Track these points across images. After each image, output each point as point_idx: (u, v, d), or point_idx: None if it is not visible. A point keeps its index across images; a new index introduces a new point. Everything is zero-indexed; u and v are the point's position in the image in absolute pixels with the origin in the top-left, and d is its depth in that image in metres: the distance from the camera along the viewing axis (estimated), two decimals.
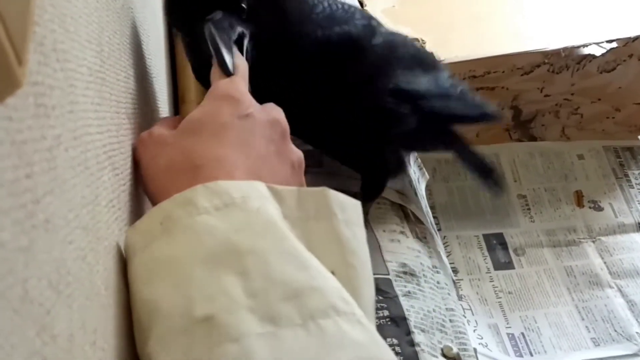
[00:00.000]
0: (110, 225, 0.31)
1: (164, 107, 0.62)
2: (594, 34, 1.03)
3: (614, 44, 1.02)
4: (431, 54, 0.69)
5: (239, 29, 0.44)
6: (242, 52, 0.43)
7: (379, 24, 0.63)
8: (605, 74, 1.06)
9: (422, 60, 0.65)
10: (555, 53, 1.01)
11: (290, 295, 0.29)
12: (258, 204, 0.33)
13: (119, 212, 0.33)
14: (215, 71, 0.41)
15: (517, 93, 1.05)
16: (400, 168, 0.67)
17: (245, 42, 0.45)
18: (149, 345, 0.29)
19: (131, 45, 0.45)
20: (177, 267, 0.30)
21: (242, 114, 0.38)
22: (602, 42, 1.02)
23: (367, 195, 0.65)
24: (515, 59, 1.01)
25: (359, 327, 0.30)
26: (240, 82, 0.40)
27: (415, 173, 0.77)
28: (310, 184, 0.42)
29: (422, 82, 0.62)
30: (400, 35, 0.67)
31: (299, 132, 0.56)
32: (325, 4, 0.57)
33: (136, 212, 0.38)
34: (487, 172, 0.67)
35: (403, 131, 0.61)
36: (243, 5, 0.45)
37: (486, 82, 1.02)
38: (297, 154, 0.42)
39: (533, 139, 1.10)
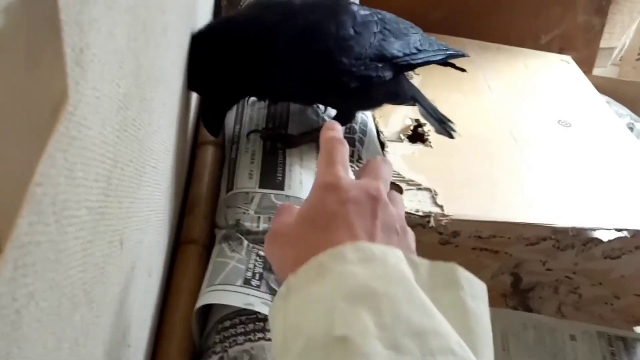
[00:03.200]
0: None
1: (164, 218, 0.63)
2: (604, 219, 1.04)
3: (623, 233, 1.03)
4: (406, 24, 0.87)
5: None
6: None
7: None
8: (610, 260, 1.06)
9: (398, 28, 0.84)
10: (563, 231, 1.02)
11: (415, 333, 0.35)
12: (395, 261, 0.40)
13: (84, 350, 0.33)
14: (319, 162, 0.49)
15: (520, 261, 1.05)
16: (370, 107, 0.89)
17: None
18: (289, 357, 0.35)
19: (142, 168, 0.46)
20: (324, 299, 0.37)
21: (343, 199, 0.44)
22: (611, 229, 1.03)
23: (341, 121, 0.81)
24: (523, 228, 1.01)
25: None
26: (339, 168, 0.47)
27: None
28: None
29: (394, 45, 0.80)
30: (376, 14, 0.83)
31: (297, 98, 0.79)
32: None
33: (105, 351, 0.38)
34: (440, 118, 0.91)
35: (382, 87, 0.81)
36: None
37: (491, 245, 1.02)
38: (399, 219, 0.48)
39: (529, 309, 1.08)
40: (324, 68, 0.73)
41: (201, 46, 0.70)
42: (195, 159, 0.79)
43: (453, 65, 0.93)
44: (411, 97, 0.90)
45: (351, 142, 0.82)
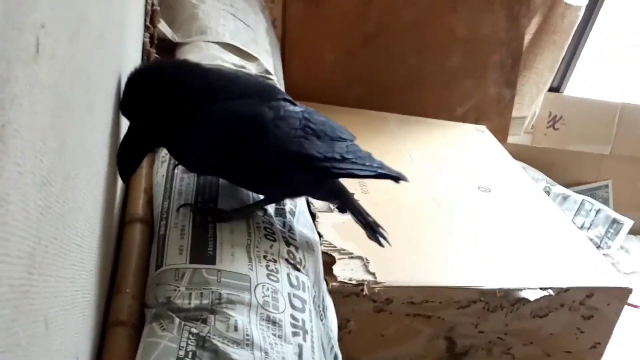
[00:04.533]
0: None
1: (91, 299, 0.61)
2: (529, 280, 1.08)
3: (549, 292, 1.07)
4: (337, 130, 0.82)
5: None
6: None
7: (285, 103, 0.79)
8: (538, 319, 1.09)
9: (325, 130, 0.80)
10: (491, 292, 1.04)
11: None
12: None
13: None
14: None
15: (453, 325, 1.06)
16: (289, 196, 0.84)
17: None
18: None
19: (67, 246, 0.45)
20: None
21: None
22: (537, 289, 1.07)
23: (267, 202, 0.81)
24: (453, 292, 1.04)
25: None
26: None
27: None
28: None
29: (321, 147, 0.77)
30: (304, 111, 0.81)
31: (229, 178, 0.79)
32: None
33: None
34: (370, 225, 0.83)
35: (303, 182, 0.78)
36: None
37: (423, 310, 1.03)
38: None
39: None
40: (241, 147, 0.73)
41: (141, 75, 0.72)
42: (123, 237, 0.77)
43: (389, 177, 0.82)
44: (337, 197, 0.84)
45: (282, 214, 0.82)
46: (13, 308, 0.30)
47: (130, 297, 0.71)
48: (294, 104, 0.80)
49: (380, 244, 0.82)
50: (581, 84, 2.26)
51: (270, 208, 0.83)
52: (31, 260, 0.33)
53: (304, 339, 0.68)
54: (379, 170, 0.79)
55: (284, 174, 0.77)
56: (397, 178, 0.80)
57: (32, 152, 0.33)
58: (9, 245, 0.29)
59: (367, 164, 0.79)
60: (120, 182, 0.80)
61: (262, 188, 0.80)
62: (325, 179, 0.81)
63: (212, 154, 0.74)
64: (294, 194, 0.83)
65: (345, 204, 0.84)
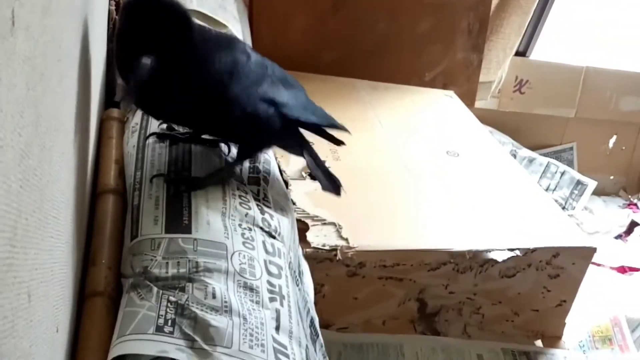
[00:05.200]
0: None
1: (68, 271, 0.61)
2: (497, 241, 1.11)
3: (516, 252, 1.10)
4: (293, 80, 0.86)
5: None
6: None
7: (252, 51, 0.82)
8: (506, 279, 1.12)
9: (286, 80, 0.84)
10: (461, 254, 1.07)
11: None
12: None
13: None
14: None
15: (424, 287, 1.09)
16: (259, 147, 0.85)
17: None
18: None
19: (44, 219, 0.45)
20: None
21: None
22: (505, 250, 1.10)
23: (240, 156, 0.82)
24: (424, 254, 1.06)
25: None
26: None
27: None
28: None
29: (284, 95, 0.81)
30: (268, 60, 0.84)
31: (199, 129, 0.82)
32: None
33: None
34: (328, 174, 0.87)
35: (270, 129, 0.79)
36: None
37: (395, 273, 1.06)
38: None
39: (436, 332, 1.12)
40: (214, 94, 0.75)
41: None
42: (96, 209, 0.77)
43: (332, 138, 0.87)
44: (299, 147, 0.87)
45: (256, 182, 0.83)
46: None
47: (105, 268, 0.71)
48: (256, 52, 0.83)
49: (338, 194, 0.87)
50: (547, 48, 2.29)
51: (245, 177, 0.83)
52: (14, 234, 0.34)
53: (281, 304, 0.70)
54: (332, 122, 0.85)
55: (256, 115, 0.78)
56: (343, 129, 0.86)
57: (12, 126, 0.33)
58: None
59: (321, 112, 0.85)
60: (91, 154, 0.80)
61: (225, 130, 0.81)
62: (294, 127, 0.84)
63: (191, 101, 0.75)
64: (263, 144, 0.84)
65: (309, 151, 0.87)
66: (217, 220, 0.73)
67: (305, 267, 0.88)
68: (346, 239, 1.02)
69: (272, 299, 0.69)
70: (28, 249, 0.38)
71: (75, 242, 0.65)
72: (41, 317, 0.44)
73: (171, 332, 0.60)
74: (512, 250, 1.10)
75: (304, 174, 1.13)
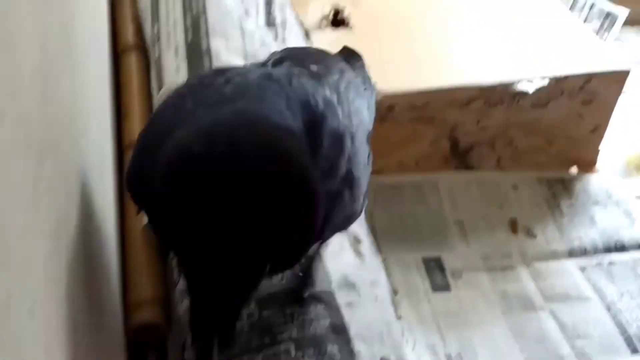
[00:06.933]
0: None
1: (105, 124, 0.63)
2: (528, 72, 1.08)
3: (546, 81, 1.08)
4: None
5: None
6: None
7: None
8: (538, 109, 1.11)
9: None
10: (490, 88, 1.05)
11: None
12: None
13: None
14: None
15: (455, 125, 1.08)
16: None
17: None
18: None
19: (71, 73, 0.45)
20: None
21: None
22: (535, 79, 1.08)
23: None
24: (454, 92, 1.05)
25: None
26: None
27: None
28: None
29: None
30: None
31: None
32: None
33: None
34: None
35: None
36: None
37: (425, 113, 1.05)
38: None
39: (470, 168, 1.13)
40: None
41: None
42: (120, 67, 0.78)
43: None
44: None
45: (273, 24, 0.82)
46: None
47: (137, 121, 0.73)
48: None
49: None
50: None
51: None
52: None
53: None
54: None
55: None
56: None
57: None
58: None
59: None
60: (106, 12, 0.79)
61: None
62: None
63: None
64: None
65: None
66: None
67: None
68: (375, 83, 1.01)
69: None
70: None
71: (108, 98, 0.66)
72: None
73: None
74: (543, 78, 1.07)
75: (324, 24, 1.11)
